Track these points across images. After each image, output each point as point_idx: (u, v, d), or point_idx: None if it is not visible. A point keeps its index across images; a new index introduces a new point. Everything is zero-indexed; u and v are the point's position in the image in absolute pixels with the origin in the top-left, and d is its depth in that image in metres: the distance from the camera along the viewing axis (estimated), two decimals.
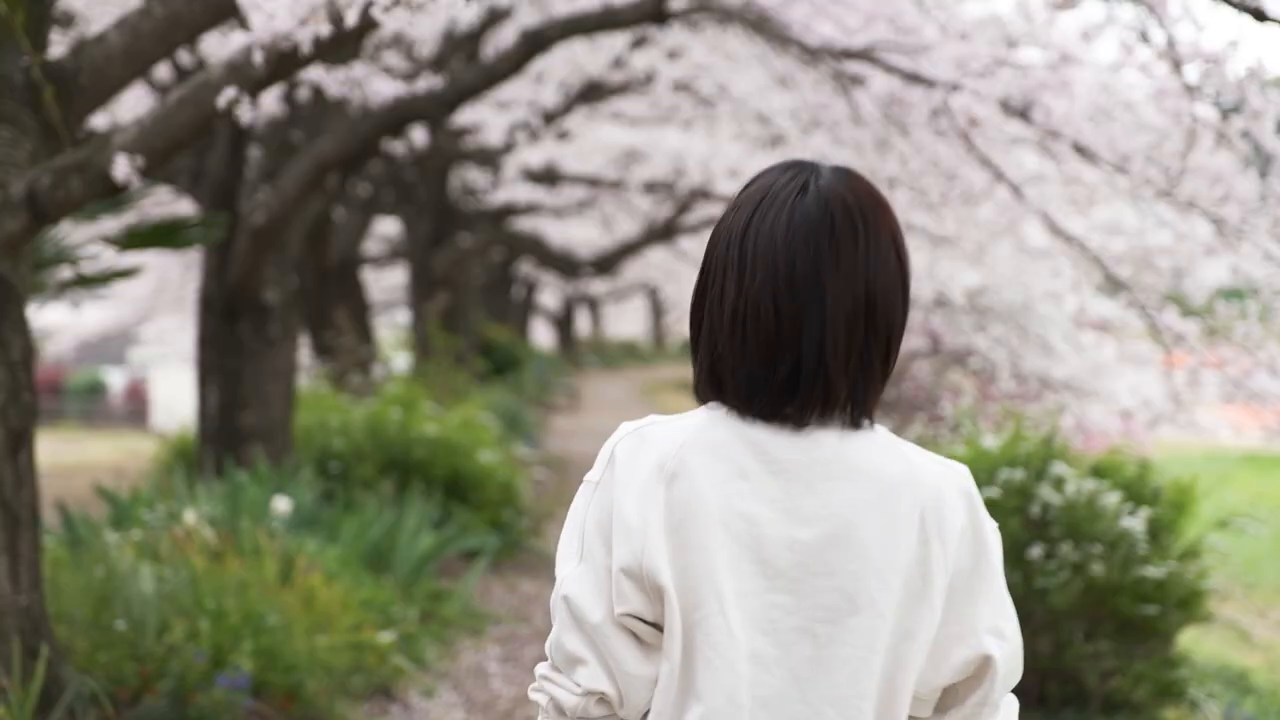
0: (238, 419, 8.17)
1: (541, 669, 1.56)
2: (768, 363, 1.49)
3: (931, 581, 1.50)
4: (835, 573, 1.49)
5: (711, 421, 1.52)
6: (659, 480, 1.49)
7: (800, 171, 1.54)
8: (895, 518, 1.49)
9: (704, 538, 1.48)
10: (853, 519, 1.49)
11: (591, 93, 11.79)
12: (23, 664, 4.04)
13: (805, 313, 1.48)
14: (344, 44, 3.68)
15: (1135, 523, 4.94)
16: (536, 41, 6.78)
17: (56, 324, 28.70)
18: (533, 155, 13.19)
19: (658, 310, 45.86)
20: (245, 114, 3.54)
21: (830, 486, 1.50)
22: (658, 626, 1.50)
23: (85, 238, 7.11)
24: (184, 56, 8.60)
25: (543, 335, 39.54)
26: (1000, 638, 1.53)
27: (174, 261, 20.24)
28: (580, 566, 1.52)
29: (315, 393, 9.86)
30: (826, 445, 1.51)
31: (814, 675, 1.49)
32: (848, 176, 1.54)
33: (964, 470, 1.57)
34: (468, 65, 9.11)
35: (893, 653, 1.50)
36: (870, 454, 1.52)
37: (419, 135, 11.79)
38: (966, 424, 5.49)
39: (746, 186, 1.57)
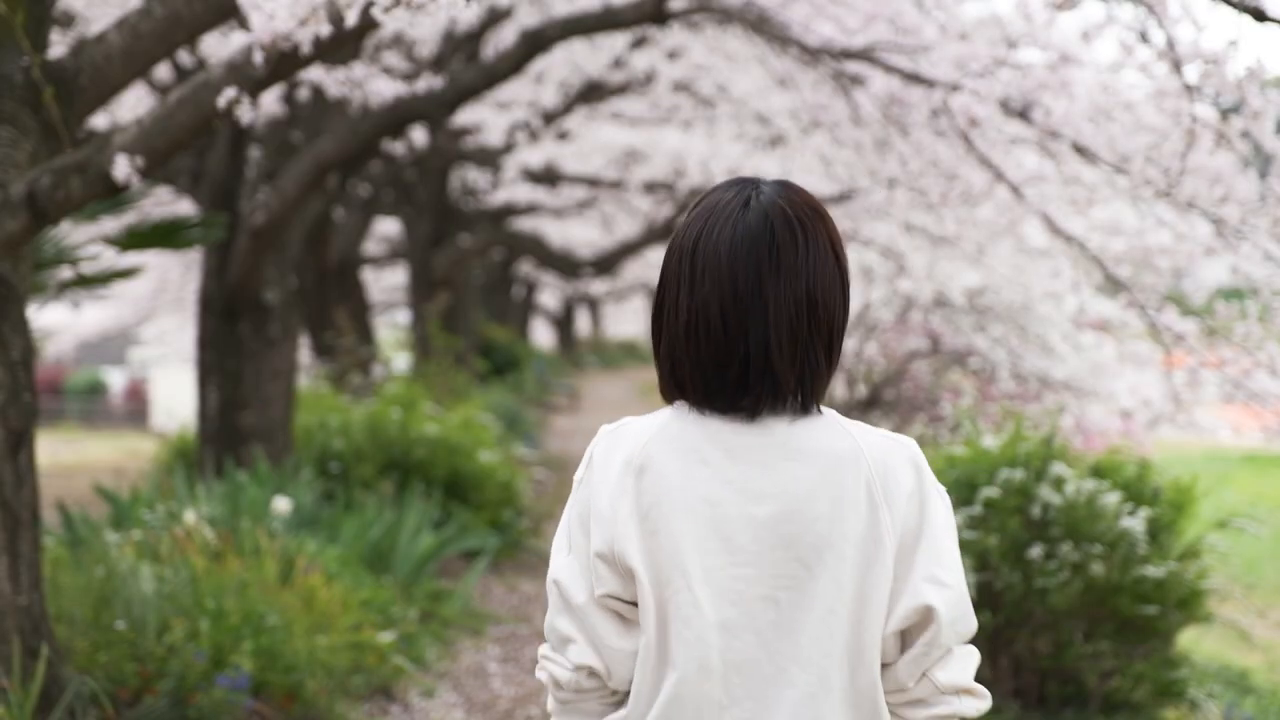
0: (238, 419, 8.17)
1: (542, 649, 1.75)
2: (720, 365, 1.65)
3: (882, 544, 1.64)
4: (791, 544, 1.64)
5: (674, 418, 1.70)
6: (628, 473, 1.66)
7: (744, 188, 1.68)
8: (844, 490, 1.64)
9: (670, 521, 1.64)
10: (804, 495, 1.64)
11: (591, 93, 11.79)
12: (23, 664, 4.04)
13: (750, 318, 1.63)
14: (344, 44, 3.68)
15: (1135, 523, 4.94)
16: (536, 41, 6.78)
17: (56, 324, 28.71)
18: (533, 155, 13.19)
19: None
20: (245, 114, 3.54)
21: (782, 467, 1.65)
22: (635, 604, 1.66)
23: (85, 238, 7.11)
24: (184, 56, 8.60)
25: (543, 335, 39.53)
26: (939, 584, 1.65)
27: (174, 262, 20.24)
28: (568, 556, 1.71)
29: (315, 393, 9.87)
30: (778, 431, 1.66)
31: (778, 638, 1.64)
32: (785, 188, 1.69)
33: (910, 441, 1.71)
34: (467, 65, 9.11)
35: (854, 615, 1.64)
36: (818, 435, 1.67)
37: (419, 135, 11.81)
38: (966, 424, 5.49)
39: (695, 205, 1.71)
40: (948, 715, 1.68)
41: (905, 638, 1.68)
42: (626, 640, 1.68)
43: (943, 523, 1.68)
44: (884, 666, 1.68)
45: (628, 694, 1.70)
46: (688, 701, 1.64)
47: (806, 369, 1.66)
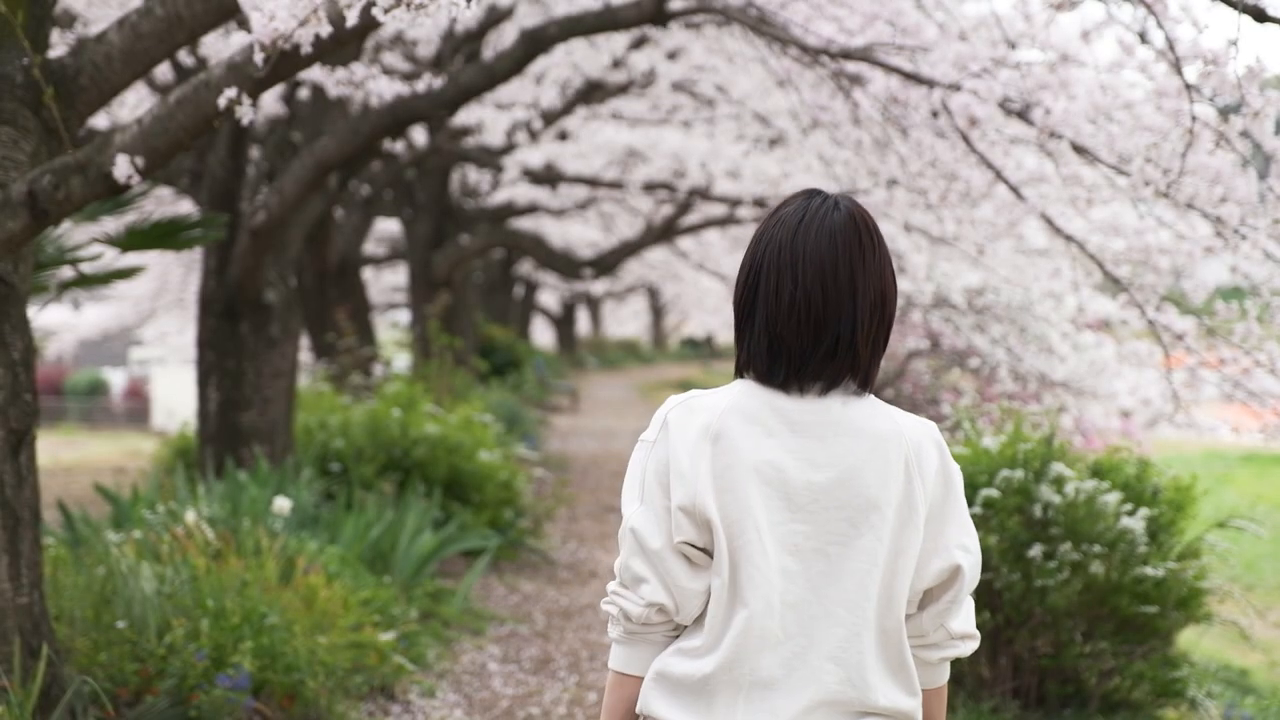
0: (238, 419, 8.18)
1: (612, 586, 1.99)
2: (817, 339, 1.93)
3: (916, 510, 1.95)
4: (843, 506, 1.93)
5: (744, 393, 1.96)
6: (706, 439, 1.93)
7: (827, 197, 1.99)
8: (887, 463, 1.94)
9: (742, 482, 1.92)
10: (855, 465, 1.94)
11: (591, 93, 11.79)
12: (23, 664, 4.04)
13: (844, 301, 1.93)
14: (344, 44, 3.68)
15: (1135, 522, 4.94)
16: (536, 41, 6.78)
17: (57, 324, 28.70)
18: (533, 155, 13.19)
19: (658, 310, 45.85)
20: (245, 114, 3.54)
21: (837, 440, 1.94)
22: (705, 551, 1.94)
23: (85, 238, 7.11)
24: (184, 56, 8.60)
25: (543, 335, 39.53)
26: (966, 551, 1.99)
27: (175, 262, 20.26)
28: (642, 507, 1.96)
29: (315, 393, 9.87)
30: (833, 409, 1.95)
31: (828, 584, 1.93)
32: (856, 203, 2.00)
33: (934, 425, 2.02)
34: (467, 65, 9.11)
35: (890, 566, 1.94)
36: (866, 415, 1.96)
37: (419, 135, 11.81)
38: (966, 424, 5.49)
39: (779, 209, 2.00)
40: (953, 655, 2.05)
41: (930, 593, 2.00)
42: (695, 581, 1.95)
43: (962, 496, 2.01)
44: (907, 616, 1.99)
45: (683, 628, 1.99)
46: (754, 634, 1.92)
47: (875, 351, 1.97)
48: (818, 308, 1.93)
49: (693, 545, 1.94)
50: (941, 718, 2.08)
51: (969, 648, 2.05)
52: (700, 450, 1.93)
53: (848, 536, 1.93)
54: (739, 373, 2.00)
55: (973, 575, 1.99)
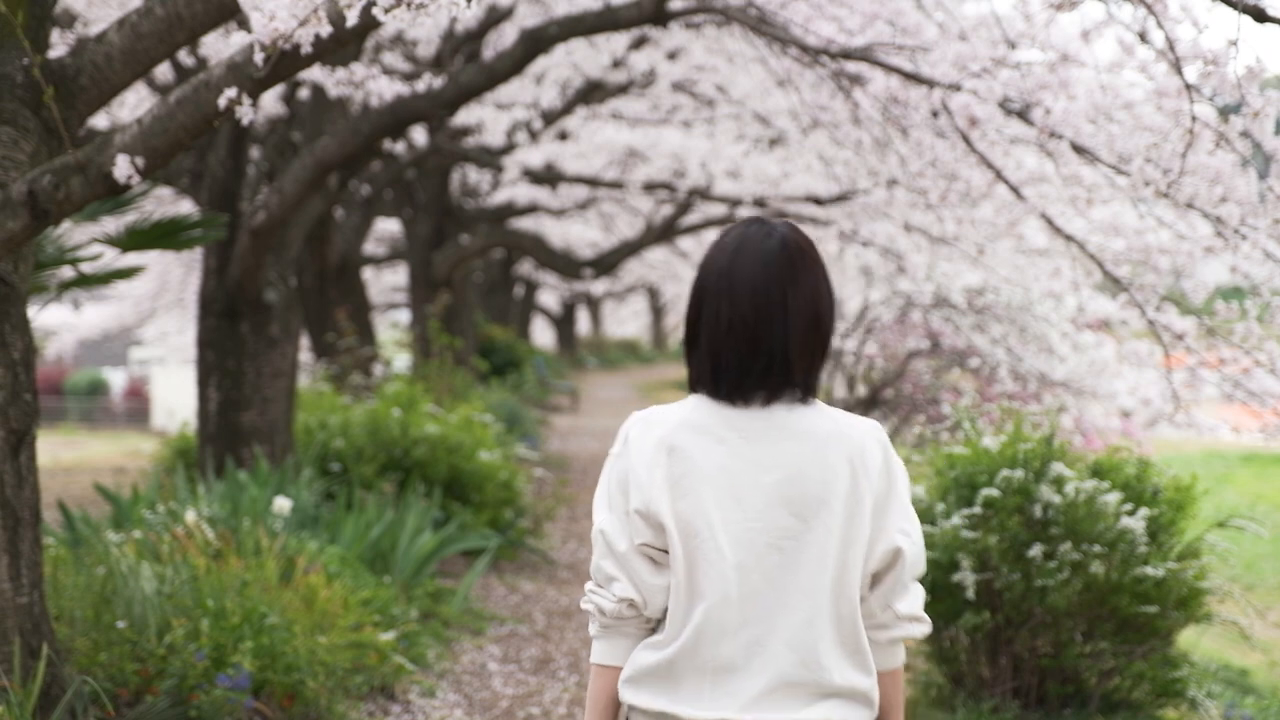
0: (238, 419, 8.18)
1: (589, 586, 2.19)
2: (752, 357, 2.11)
3: (862, 502, 2.12)
4: (791, 503, 2.11)
5: (695, 407, 2.16)
6: (661, 451, 2.12)
7: (763, 224, 2.18)
8: (831, 462, 2.11)
9: (696, 487, 2.11)
10: (800, 465, 2.11)
11: (592, 93, 11.79)
12: (23, 663, 4.04)
13: (774, 321, 2.11)
14: (344, 44, 3.68)
15: (1135, 522, 4.93)
16: (536, 41, 6.78)
17: (57, 324, 28.70)
18: (533, 155, 13.19)
19: (658, 310, 45.86)
20: (245, 114, 3.54)
21: (782, 444, 2.12)
22: (664, 551, 2.13)
23: (85, 238, 7.11)
24: (184, 56, 8.60)
25: (543, 335, 39.53)
26: (906, 535, 2.16)
27: (175, 262, 20.25)
28: (609, 513, 2.16)
29: (315, 393, 9.87)
30: (777, 416, 2.13)
31: (782, 575, 2.11)
32: (791, 227, 2.18)
33: (877, 425, 2.18)
34: (467, 65, 9.11)
35: (840, 556, 2.11)
36: (810, 420, 2.14)
37: (419, 135, 11.81)
38: (966, 424, 5.49)
39: (722, 238, 2.18)
40: (902, 636, 2.20)
41: (877, 577, 2.16)
42: (658, 578, 2.14)
43: (904, 488, 2.18)
44: (860, 602, 2.15)
45: (656, 621, 2.18)
46: (712, 624, 2.10)
47: (812, 364, 2.14)
48: (750, 328, 2.11)
49: (652, 546, 2.13)
50: (898, 698, 2.23)
51: (919, 630, 2.20)
52: (656, 461, 2.12)
53: (798, 531, 2.11)
54: (692, 388, 2.18)
55: (913, 558, 2.16)
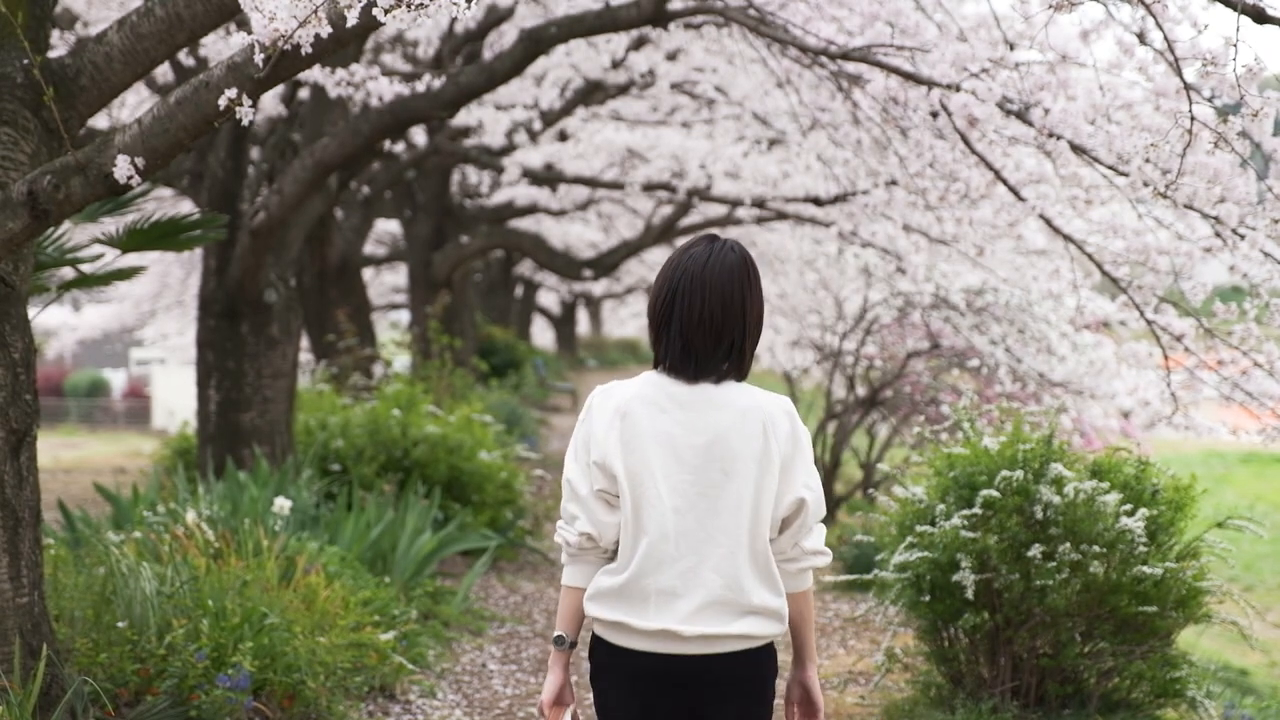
0: (238, 419, 8.18)
1: (559, 524, 2.75)
2: (718, 343, 2.68)
3: (771, 460, 2.67)
4: (716, 460, 2.66)
5: (647, 382, 2.72)
6: (616, 416, 2.68)
7: (724, 242, 2.73)
8: (748, 427, 2.67)
9: (643, 446, 2.67)
10: (723, 431, 2.67)
11: (591, 94, 11.79)
12: (23, 663, 4.04)
13: (735, 317, 2.69)
14: (344, 44, 3.68)
15: (1134, 522, 4.93)
16: (536, 42, 6.78)
17: (57, 324, 28.69)
18: (533, 156, 13.18)
19: None
20: (245, 115, 3.54)
21: (710, 413, 2.68)
22: (617, 496, 2.68)
23: (85, 238, 7.11)
24: (184, 57, 8.60)
25: (543, 335, 39.51)
26: (809, 489, 2.70)
27: (175, 262, 20.24)
28: (575, 464, 2.72)
29: (315, 393, 9.87)
30: (709, 391, 2.69)
31: (709, 518, 2.66)
32: (744, 248, 2.74)
33: (787, 400, 2.73)
34: (467, 66, 9.11)
35: (754, 502, 2.66)
36: (734, 395, 2.69)
37: (419, 136, 11.81)
38: (966, 424, 5.49)
39: (689, 249, 2.72)
40: (808, 567, 2.76)
41: (787, 521, 2.71)
42: (611, 516, 2.69)
43: (808, 450, 2.73)
44: (770, 540, 2.69)
45: (611, 552, 2.72)
46: (653, 555, 2.66)
47: (752, 352, 2.73)
48: (718, 322, 2.67)
49: (607, 492, 2.68)
50: (809, 613, 2.81)
51: (822, 560, 2.77)
52: (612, 424, 2.67)
53: (721, 483, 2.66)
54: (656, 365, 2.72)
55: (815, 505, 2.70)
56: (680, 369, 2.67)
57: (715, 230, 17.73)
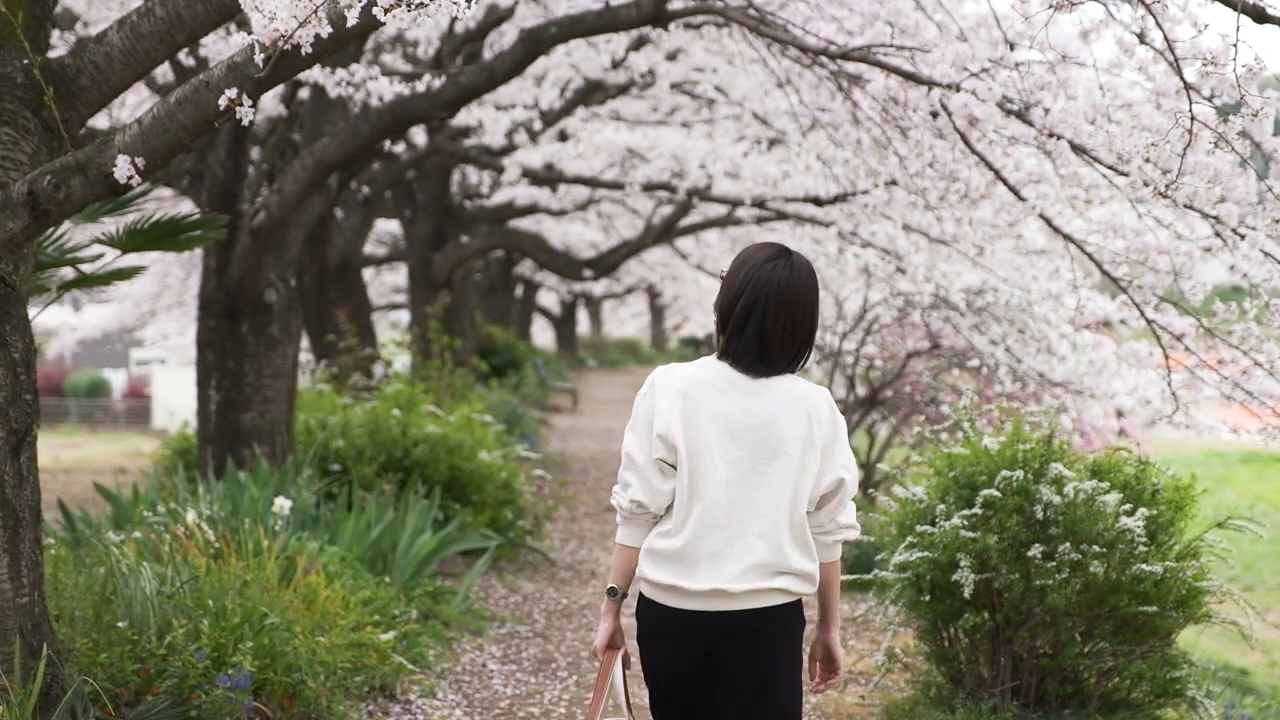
0: (238, 419, 8.18)
1: (615, 489, 3.08)
2: (793, 344, 3.02)
3: (814, 444, 3.00)
4: (766, 440, 2.99)
5: (706, 366, 3.05)
6: (679, 394, 3.00)
7: (798, 256, 3.04)
8: (795, 413, 3.00)
9: (702, 423, 2.98)
10: (775, 414, 3.00)
11: (591, 94, 11.79)
12: (23, 663, 4.05)
13: (804, 324, 3.03)
14: (345, 44, 3.68)
15: (1134, 522, 4.93)
16: (536, 42, 6.78)
17: (57, 324, 28.69)
18: (533, 156, 13.18)
19: (658, 310, 45.81)
20: (245, 115, 3.54)
21: (764, 399, 3.00)
22: (672, 465, 3.00)
23: (85, 238, 7.11)
24: (184, 57, 8.60)
25: (543, 335, 39.50)
26: (847, 469, 3.04)
27: (175, 262, 20.24)
28: (634, 436, 3.03)
29: (315, 393, 9.87)
30: (764, 380, 3.01)
31: (756, 490, 2.99)
32: (804, 258, 3.05)
33: (827, 391, 3.06)
34: (468, 66, 9.11)
35: (796, 480, 2.99)
36: (785, 384, 3.02)
37: (419, 136, 11.80)
38: (966, 424, 5.49)
39: (773, 260, 3.00)
40: (841, 539, 3.10)
41: (825, 498, 3.04)
42: (665, 484, 3.01)
43: (845, 436, 3.06)
44: (809, 514, 3.03)
45: (657, 518, 3.04)
46: (706, 521, 2.98)
47: (808, 353, 3.07)
48: (793, 331, 3.01)
49: (664, 461, 2.99)
50: (836, 581, 3.15)
51: (853, 534, 3.11)
52: (675, 401, 2.98)
53: (769, 460, 2.99)
54: (721, 356, 3.03)
55: (852, 484, 3.04)
56: (749, 365, 2.99)
57: (715, 230, 17.70)
